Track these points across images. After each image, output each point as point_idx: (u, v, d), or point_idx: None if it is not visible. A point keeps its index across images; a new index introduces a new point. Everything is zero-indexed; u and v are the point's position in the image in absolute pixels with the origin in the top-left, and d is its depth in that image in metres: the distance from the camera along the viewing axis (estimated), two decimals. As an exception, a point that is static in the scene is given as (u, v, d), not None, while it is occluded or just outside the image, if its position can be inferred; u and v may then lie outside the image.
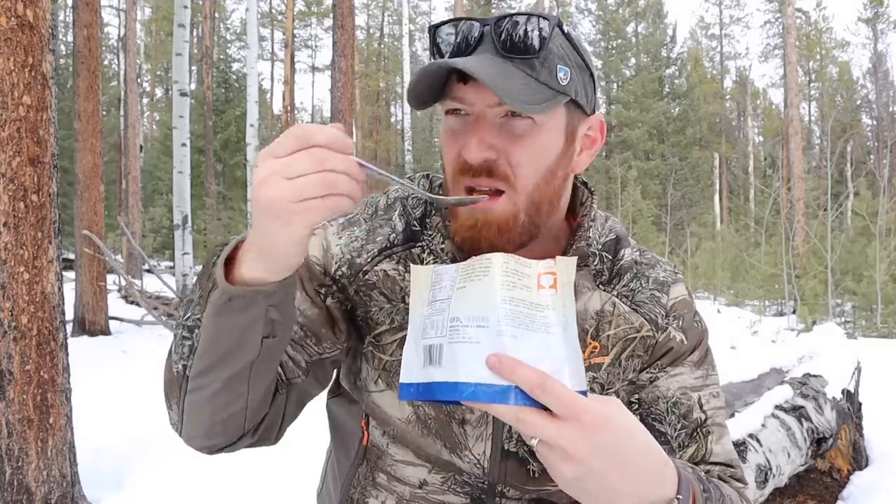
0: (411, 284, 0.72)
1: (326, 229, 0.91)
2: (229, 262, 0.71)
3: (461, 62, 0.72)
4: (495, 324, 0.62)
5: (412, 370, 0.67)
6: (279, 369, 0.83)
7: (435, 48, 0.79)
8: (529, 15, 0.75)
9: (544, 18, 0.75)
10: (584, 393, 0.62)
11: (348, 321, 0.88)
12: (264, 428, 0.83)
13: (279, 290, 0.69)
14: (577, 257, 0.64)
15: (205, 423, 0.78)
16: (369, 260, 0.87)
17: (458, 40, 0.77)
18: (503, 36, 0.75)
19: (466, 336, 0.63)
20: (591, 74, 0.82)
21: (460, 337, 0.63)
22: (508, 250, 0.78)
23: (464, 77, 0.76)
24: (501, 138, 0.76)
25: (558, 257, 0.68)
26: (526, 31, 0.75)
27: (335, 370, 0.96)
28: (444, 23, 0.79)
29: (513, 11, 0.78)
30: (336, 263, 0.88)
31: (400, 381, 0.68)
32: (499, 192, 0.77)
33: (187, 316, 0.72)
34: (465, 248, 0.79)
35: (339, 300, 0.88)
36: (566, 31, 0.79)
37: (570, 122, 0.80)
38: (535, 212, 0.79)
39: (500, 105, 0.75)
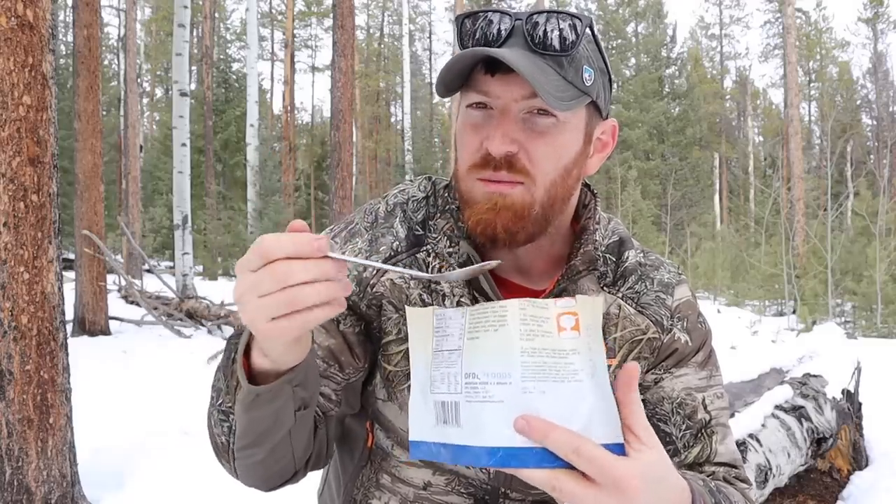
0: (409, 327, 0.67)
1: (331, 246, 0.90)
2: (246, 349, 0.71)
3: (499, 52, 0.72)
4: (518, 380, 0.58)
5: (423, 427, 0.62)
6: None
7: (463, 38, 0.78)
8: (563, 13, 0.75)
9: (577, 18, 0.76)
10: (619, 445, 0.58)
11: (364, 342, 0.88)
12: (314, 459, 0.86)
13: (300, 373, 0.70)
14: (602, 297, 0.62)
15: (259, 477, 0.81)
16: (374, 272, 0.87)
17: (488, 32, 0.76)
18: (535, 32, 0.75)
19: (487, 395, 0.58)
20: (610, 78, 0.83)
21: (480, 396, 0.58)
22: (520, 239, 0.79)
23: (491, 69, 0.76)
24: (524, 133, 0.76)
25: (578, 296, 0.62)
26: (559, 29, 0.75)
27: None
28: (473, 13, 0.78)
29: (546, 8, 0.77)
30: None
31: (410, 437, 0.62)
32: (515, 182, 0.77)
33: (220, 401, 0.75)
34: (480, 233, 0.79)
35: (352, 323, 0.87)
36: (595, 34, 0.79)
37: (588, 124, 0.81)
38: (549, 206, 0.80)
39: (525, 99, 0.75)
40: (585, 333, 0.60)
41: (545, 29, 0.75)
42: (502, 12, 0.77)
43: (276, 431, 0.74)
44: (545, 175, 0.78)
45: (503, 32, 0.76)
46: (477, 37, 0.77)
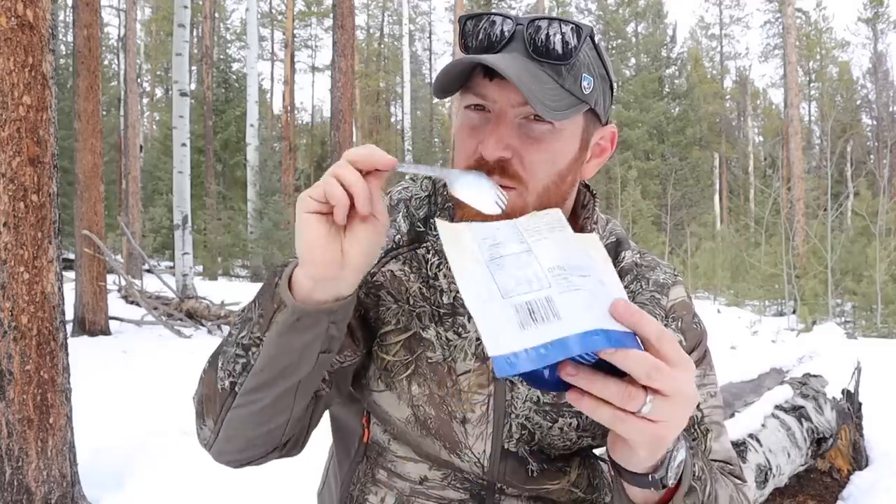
0: (448, 247, 0.64)
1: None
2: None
3: (491, 59, 0.72)
4: (595, 272, 0.60)
5: (508, 338, 0.56)
6: None
7: (465, 39, 0.79)
8: (564, 21, 0.76)
9: (578, 27, 0.76)
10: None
11: (363, 327, 0.89)
12: (293, 442, 0.85)
13: (343, 308, 0.72)
14: (595, 235, 0.66)
15: (244, 437, 0.80)
16: (376, 261, 0.88)
17: (489, 35, 0.77)
18: (535, 38, 0.75)
19: (575, 285, 0.58)
20: (611, 85, 0.83)
21: (571, 286, 0.58)
22: None
23: (490, 73, 0.76)
24: (519, 139, 0.77)
25: (534, 212, 0.69)
26: (558, 38, 0.75)
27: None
28: (476, 15, 0.79)
29: (548, 15, 0.78)
30: None
31: (495, 353, 0.55)
32: (508, 188, 0.78)
33: (242, 334, 0.74)
34: None
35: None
36: (596, 42, 0.80)
37: (585, 130, 0.82)
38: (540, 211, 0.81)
39: (522, 105, 0.76)
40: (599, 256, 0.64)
41: (546, 36, 0.75)
42: (505, 16, 0.77)
43: (294, 372, 0.74)
44: (538, 181, 0.79)
45: (504, 36, 0.76)
46: (479, 38, 0.77)
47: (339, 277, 0.69)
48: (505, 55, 0.75)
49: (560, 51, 0.75)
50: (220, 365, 0.77)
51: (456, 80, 0.78)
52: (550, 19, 0.76)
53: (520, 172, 0.78)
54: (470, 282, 0.60)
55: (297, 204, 0.67)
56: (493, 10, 0.79)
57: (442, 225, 0.66)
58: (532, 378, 0.64)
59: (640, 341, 0.58)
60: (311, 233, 0.67)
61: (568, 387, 0.59)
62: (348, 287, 0.71)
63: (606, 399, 0.57)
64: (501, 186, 0.77)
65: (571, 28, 0.76)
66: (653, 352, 0.57)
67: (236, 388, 0.75)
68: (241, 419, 0.77)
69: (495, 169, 0.77)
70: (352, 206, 0.66)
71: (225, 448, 0.81)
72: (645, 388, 0.57)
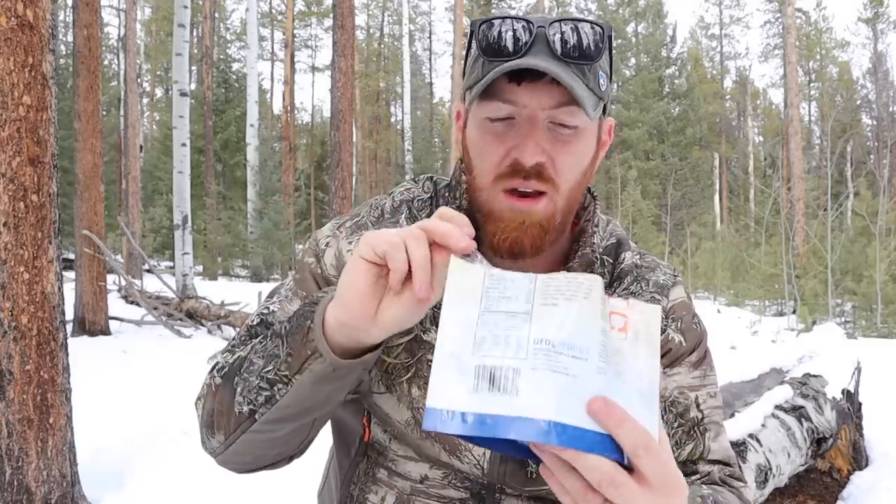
0: (449, 279, 0.59)
1: (338, 238, 0.91)
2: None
3: (540, 64, 0.72)
4: (596, 358, 0.53)
5: (453, 393, 0.52)
6: None
7: (482, 45, 0.78)
8: (585, 21, 0.76)
9: (601, 27, 0.77)
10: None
11: None
12: (299, 451, 0.86)
13: (376, 356, 0.71)
14: (660, 307, 0.58)
15: (255, 455, 0.80)
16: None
17: (512, 40, 0.76)
18: (562, 40, 0.75)
19: (560, 366, 0.52)
20: (611, 76, 0.84)
21: (551, 365, 0.52)
22: (544, 250, 0.82)
23: (517, 77, 0.76)
24: (550, 143, 0.77)
25: (631, 300, 0.58)
26: (586, 39, 0.75)
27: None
28: (490, 19, 0.78)
29: (567, 16, 0.78)
30: None
31: (430, 404, 0.52)
32: (539, 194, 0.79)
33: (268, 369, 0.72)
34: (507, 250, 0.80)
35: None
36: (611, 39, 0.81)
37: (599, 127, 0.84)
38: (567, 213, 0.83)
39: (553, 108, 0.76)
40: (633, 339, 0.56)
41: (573, 37, 0.75)
42: (524, 20, 0.77)
43: (319, 409, 0.74)
44: (567, 183, 0.80)
45: (527, 41, 0.76)
46: (501, 43, 0.76)
47: (366, 331, 0.66)
48: (530, 57, 0.75)
49: (587, 52, 0.75)
50: (238, 390, 0.76)
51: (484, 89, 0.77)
52: (573, 20, 0.76)
53: (553, 176, 0.78)
54: (449, 325, 0.56)
55: (359, 245, 0.64)
56: (507, 14, 0.79)
57: (455, 261, 0.60)
58: (502, 442, 0.58)
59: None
60: (356, 277, 0.64)
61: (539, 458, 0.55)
62: (372, 339, 0.68)
63: (567, 489, 0.54)
64: (534, 196, 0.78)
65: (595, 29, 0.76)
66: (634, 464, 0.52)
67: (256, 416, 0.75)
68: (256, 442, 0.78)
69: (532, 174, 0.77)
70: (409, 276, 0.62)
71: (232, 459, 0.82)
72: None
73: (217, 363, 0.83)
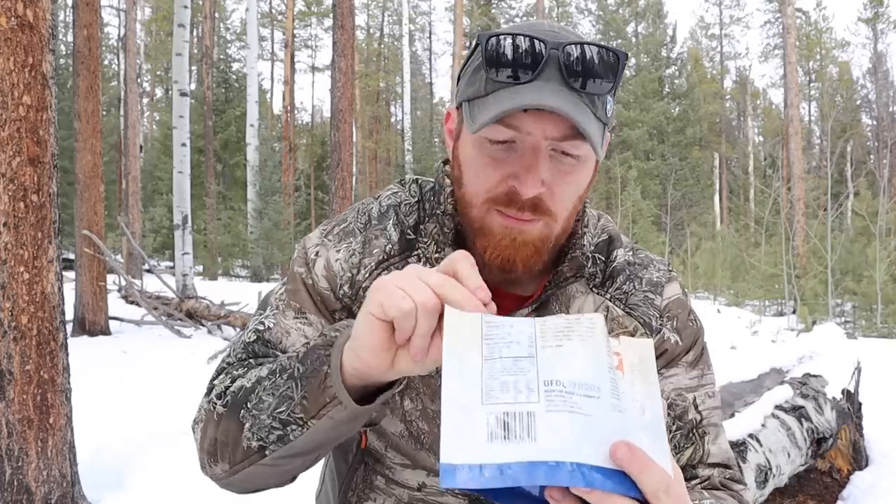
0: (446, 331, 0.57)
1: (327, 247, 0.89)
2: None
3: (542, 100, 0.70)
4: (608, 395, 0.52)
5: (468, 447, 0.50)
6: None
7: (490, 61, 0.73)
8: (601, 46, 0.72)
9: (615, 54, 0.73)
10: None
11: None
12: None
13: (392, 394, 0.70)
14: (651, 341, 0.58)
15: (260, 483, 0.79)
16: (367, 275, 0.86)
17: (522, 62, 0.72)
18: (575, 68, 0.72)
19: (574, 405, 0.51)
20: None
21: (566, 406, 0.51)
22: (537, 269, 0.81)
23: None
24: (550, 173, 0.75)
25: (622, 338, 0.58)
26: (602, 67, 0.72)
27: None
28: (499, 34, 0.74)
29: (584, 40, 0.73)
30: (339, 282, 0.87)
31: (445, 460, 0.49)
32: (537, 220, 0.77)
33: (280, 409, 0.71)
34: (498, 266, 0.79)
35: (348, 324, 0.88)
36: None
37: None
38: (562, 235, 0.82)
39: (557, 140, 0.74)
40: (630, 375, 0.56)
41: (586, 65, 0.71)
42: (535, 38, 0.72)
43: (332, 444, 0.73)
44: (565, 211, 0.79)
45: (538, 63, 0.72)
46: (513, 64, 0.72)
47: (382, 377, 0.66)
48: (541, 84, 0.72)
49: (600, 83, 0.72)
50: (246, 426, 0.73)
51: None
52: (586, 44, 0.72)
53: (551, 207, 0.77)
54: (452, 377, 0.53)
55: (368, 300, 0.62)
56: (517, 31, 0.74)
57: (450, 312, 0.58)
58: (512, 492, 0.57)
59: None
60: (368, 333, 0.62)
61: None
62: (388, 379, 0.67)
63: None
64: (529, 220, 0.77)
65: (610, 56, 0.72)
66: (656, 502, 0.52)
67: (266, 452, 0.73)
68: (264, 474, 0.76)
69: (527, 206, 0.75)
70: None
71: (236, 485, 0.80)
72: None
73: (214, 387, 0.81)
